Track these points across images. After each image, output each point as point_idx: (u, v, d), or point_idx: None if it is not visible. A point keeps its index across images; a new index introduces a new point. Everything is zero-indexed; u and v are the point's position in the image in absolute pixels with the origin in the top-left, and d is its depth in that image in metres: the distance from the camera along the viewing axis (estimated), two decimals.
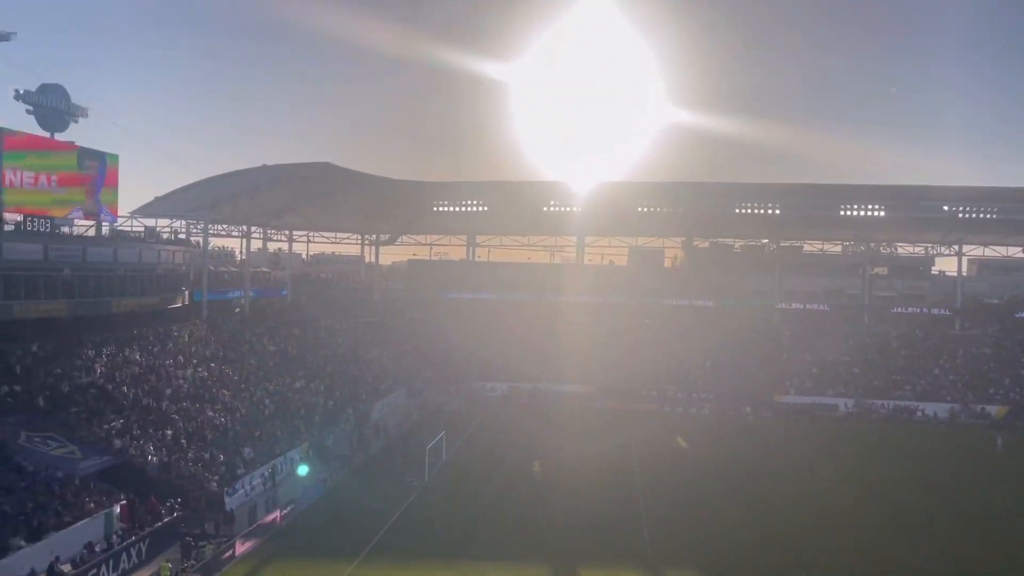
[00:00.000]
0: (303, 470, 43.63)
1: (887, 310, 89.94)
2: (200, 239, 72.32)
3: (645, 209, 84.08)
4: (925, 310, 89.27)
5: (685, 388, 74.47)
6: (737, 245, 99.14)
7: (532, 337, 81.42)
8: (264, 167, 62.95)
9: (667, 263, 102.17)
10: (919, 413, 71.35)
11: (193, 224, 72.26)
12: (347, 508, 39.89)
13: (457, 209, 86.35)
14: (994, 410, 71.16)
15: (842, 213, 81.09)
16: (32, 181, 47.32)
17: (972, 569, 32.76)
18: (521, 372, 75.98)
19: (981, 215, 79.23)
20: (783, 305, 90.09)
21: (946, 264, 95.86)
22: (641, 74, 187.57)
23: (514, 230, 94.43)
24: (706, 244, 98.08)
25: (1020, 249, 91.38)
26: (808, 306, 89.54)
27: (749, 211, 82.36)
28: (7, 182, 45.42)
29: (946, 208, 79.97)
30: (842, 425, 67.64)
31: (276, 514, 37.69)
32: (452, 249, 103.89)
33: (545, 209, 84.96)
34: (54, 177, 49.09)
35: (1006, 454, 55.89)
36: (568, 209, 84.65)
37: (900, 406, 72.21)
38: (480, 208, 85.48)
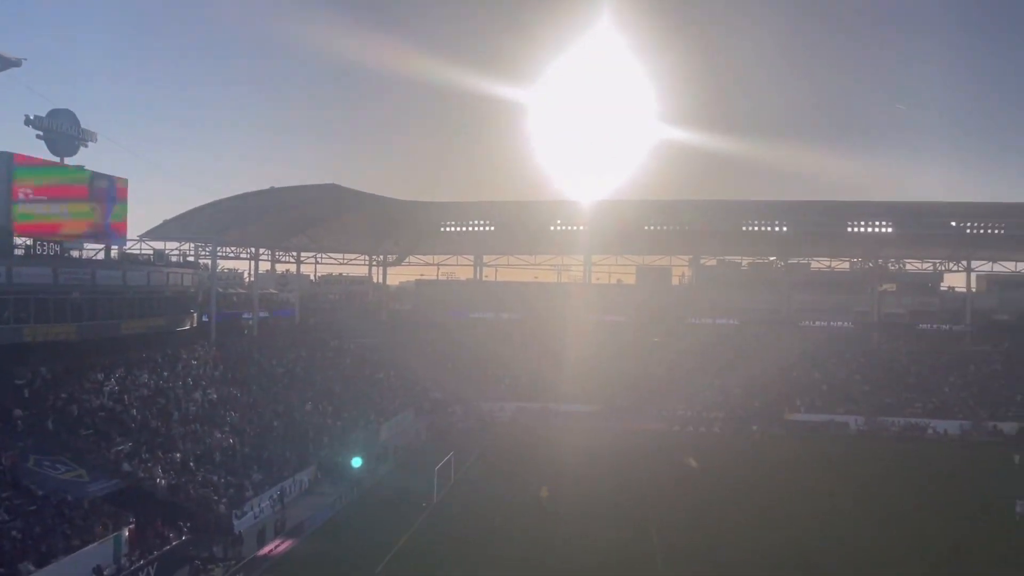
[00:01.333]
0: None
1: (897, 327, 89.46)
2: (209, 261, 72.57)
3: (652, 227, 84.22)
4: (935, 327, 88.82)
5: (694, 407, 74.03)
6: (744, 263, 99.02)
7: (540, 357, 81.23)
8: (272, 189, 63.32)
9: (674, 281, 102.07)
10: (930, 431, 70.75)
11: (202, 247, 72.56)
12: (357, 529, 39.63)
13: (464, 229, 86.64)
14: (1007, 427, 70.48)
15: (849, 230, 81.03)
16: (43, 203, 47.66)
17: None
18: (529, 392, 75.80)
19: (989, 231, 79.08)
20: (793, 323, 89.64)
21: (955, 280, 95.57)
22: (643, 94, 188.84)
23: (521, 249, 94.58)
24: (713, 262, 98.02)
25: None
26: (818, 323, 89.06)
27: (756, 229, 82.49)
28: (19, 206, 45.76)
29: (954, 224, 79.87)
30: (854, 443, 67.07)
31: (279, 542, 37.11)
32: (459, 269, 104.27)
33: (552, 228, 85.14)
34: (64, 198, 49.45)
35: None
36: (574, 228, 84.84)
37: (911, 423, 71.64)
38: (487, 228, 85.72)
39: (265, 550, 35.46)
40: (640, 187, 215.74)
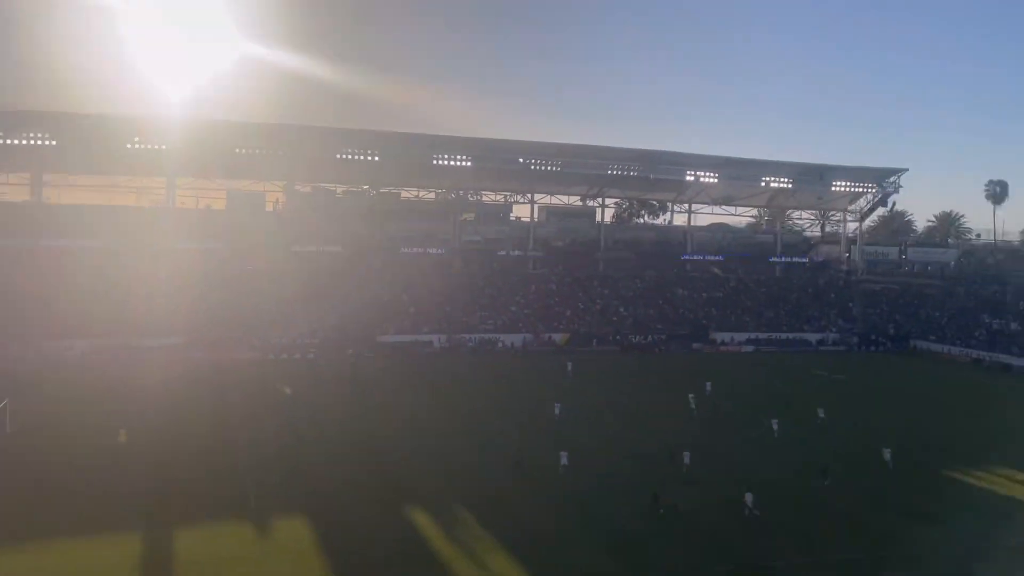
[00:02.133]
0: None
1: (475, 253, 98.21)
2: None
3: (243, 151, 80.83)
4: (506, 252, 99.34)
5: (289, 333, 74.07)
6: (339, 191, 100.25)
7: (118, 288, 74.15)
8: None
9: (268, 208, 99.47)
10: (500, 344, 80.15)
11: None
12: None
13: (18, 142, 74.45)
14: (558, 337, 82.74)
15: (435, 162, 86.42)
16: None
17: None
18: (105, 328, 68.93)
19: (549, 167, 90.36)
20: (387, 250, 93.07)
21: (521, 211, 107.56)
22: (234, 7, 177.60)
23: (92, 169, 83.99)
24: (308, 189, 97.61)
25: (578, 198, 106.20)
26: (407, 250, 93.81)
27: (350, 157, 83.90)
28: None
29: (521, 160, 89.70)
30: (436, 359, 73.30)
31: None
32: (12, 189, 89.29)
33: (128, 146, 77.16)
34: None
35: (575, 375, 65.49)
36: (156, 147, 77.92)
37: (484, 338, 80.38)
38: (47, 142, 74.70)
39: None
40: (230, 108, 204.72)
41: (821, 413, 51.68)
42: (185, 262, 79.84)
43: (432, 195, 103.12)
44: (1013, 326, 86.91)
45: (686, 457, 39.73)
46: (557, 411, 49.75)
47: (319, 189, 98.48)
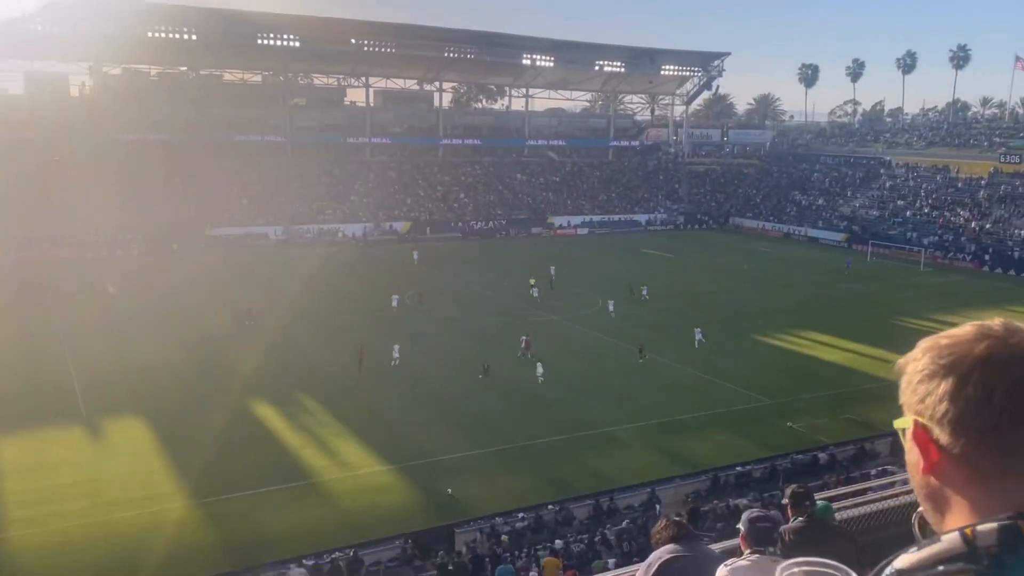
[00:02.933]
0: None
1: (307, 139, 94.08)
2: None
3: (40, 27, 72.44)
4: (342, 140, 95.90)
5: (108, 230, 69.26)
6: (154, 72, 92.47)
7: None
8: None
9: (73, 92, 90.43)
10: (340, 234, 78.81)
11: None
12: None
13: None
14: (399, 226, 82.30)
15: (260, 42, 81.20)
16: None
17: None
18: None
19: (383, 49, 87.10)
20: (214, 138, 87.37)
21: (355, 95, 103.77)
22: None
23: None
24: (118, 71, 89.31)
25: (415, 82, 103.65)
26: (237, 137, 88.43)
27: (164, 36, 77.09)
28: None
29: (354, 41, 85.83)
30: (273, 251, 71.29)
31: None
32: None
33: None
34: None
35: (421, 263, 65.73)
36: None
37: (324, 229, 78.67)
38: None
39: None
40: None
41: (645, 292, 54.38)
42: None
43: (259, 78, 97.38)
44: (820, 202, 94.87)
45: (523, 342, 41.01)
46: (395, 303, 49.71)
47: (130, 71, 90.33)
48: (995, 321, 1.44)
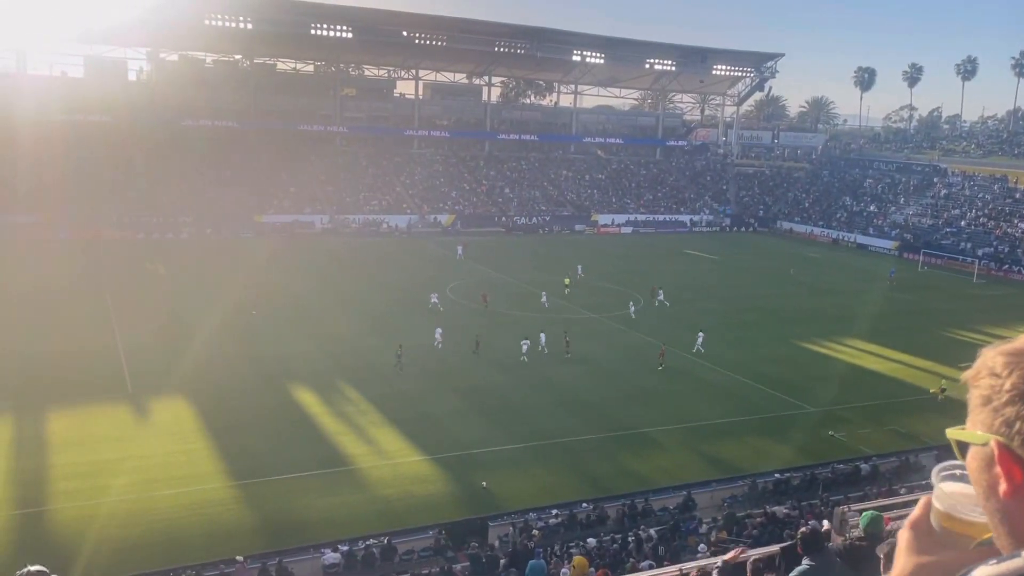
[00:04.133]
0: None
1: (356, 130, 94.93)
2: None
3: (100, 12, 74.05)
4: (391, 131, 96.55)
5: (161, 212, 70.77)
6: (209, 60, 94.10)
7: None
8: None
9: (131, 77, 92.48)
10: (384, 225, 79.38)
11: None
12: None
13: None
14: (443, 218, 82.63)
15: (313, 32, 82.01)
16: None
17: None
18: None
19: (433, 42, 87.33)
20: (262, 126, 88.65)
21: (405, 87, 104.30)
22: None
23: None
24: (175, 57, 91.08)
25: (464, 75, 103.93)
26: (286, 127, 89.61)
27: (220, 24, 78.30)
28: None
29: (405, 34, 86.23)
30: (319, 239, 72.12)
31: None
32: None
33: None
34: None
35: (465, 259, 65.59)
36: None
37: (368, 219, 79.33)
38: None
39: None
40: None
41: (661, 296, 52.33)
42: (43, 133, 73.56)
43: (311, 68, 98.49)
44: (871, 208, 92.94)
45: (542, 338, 40.13)
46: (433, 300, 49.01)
47: (186, 57, 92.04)
48: None
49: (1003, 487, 1.31)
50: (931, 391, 35.31)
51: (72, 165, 71.65)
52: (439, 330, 40.03)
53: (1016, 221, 78.93)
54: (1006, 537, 1.34)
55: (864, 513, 4.88)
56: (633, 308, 48.96)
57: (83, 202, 67.77)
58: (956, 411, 1.43)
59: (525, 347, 38.93)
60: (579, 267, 60.52)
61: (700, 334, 42.04)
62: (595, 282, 57.98)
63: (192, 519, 23.28)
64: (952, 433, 1.41)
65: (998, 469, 1.32)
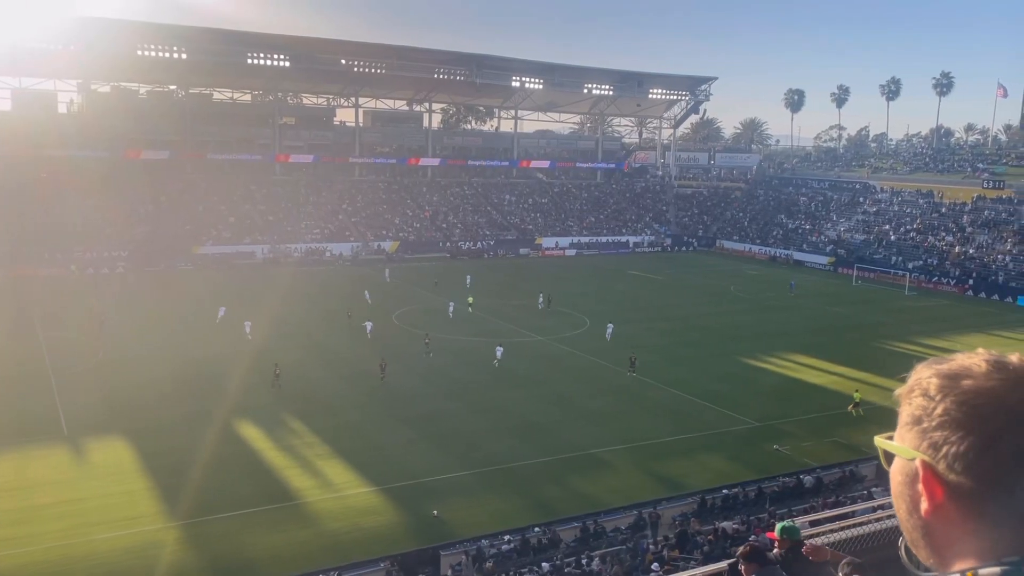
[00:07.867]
0: None
1: (295, 159, 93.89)
2: None
3: (29, 44, 72.33)
4: (331, 159, 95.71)
5: (94, 247, 68.91)
6: (143, 91, 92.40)
7: None
8: None
9: (61, 109, 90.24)
10: (327, 253, 78.64)
11: None
12: None
13: None
14: (386, 245, 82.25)
15: (250, 61, 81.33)
16: None
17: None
18: None
19: (373, 70, 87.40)
20: (200, 156, 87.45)
21: (345, 115, 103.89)
22: None
23: None
24: (107, 88, 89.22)
25: (404, 102, 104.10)
26: (225, 156, 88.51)
27: (153, 54, 77.11)
28: None
29: (344, 62, 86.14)
30: (260, 270, 70.98)
31: None
32: None
33: None
34: None
35: (392, 282, 65.58)
36: None
37: (311, 248, 78.52)
38: None
39: None
40: None
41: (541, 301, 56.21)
42: None
43: (248, 97, 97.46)
44: (806, 225, 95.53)
45: (498, 352, 41.91)
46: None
47: (119, 88, 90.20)
48: (1012, 357, 1.33)
49: (924, 505, 1.32)
50: (848, 408, 35.56)
51: (0, 201, 69.28)
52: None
53: (943, 234, 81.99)
54: (925, 550, 1.36)
55: (778, 525, 4.96)
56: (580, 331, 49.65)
57: (10, 239, 65.58)
58: (885, 421, 1.44)
59: (499, 352, 41.67)
60: (540, 296, 59.48)
61: (609, 325, 45.98)
62: (557, 307, 58.15)
63: (133, 562, 22.48)
64: (880, 443, 1.40)
65: (921, 487, 1.33)
